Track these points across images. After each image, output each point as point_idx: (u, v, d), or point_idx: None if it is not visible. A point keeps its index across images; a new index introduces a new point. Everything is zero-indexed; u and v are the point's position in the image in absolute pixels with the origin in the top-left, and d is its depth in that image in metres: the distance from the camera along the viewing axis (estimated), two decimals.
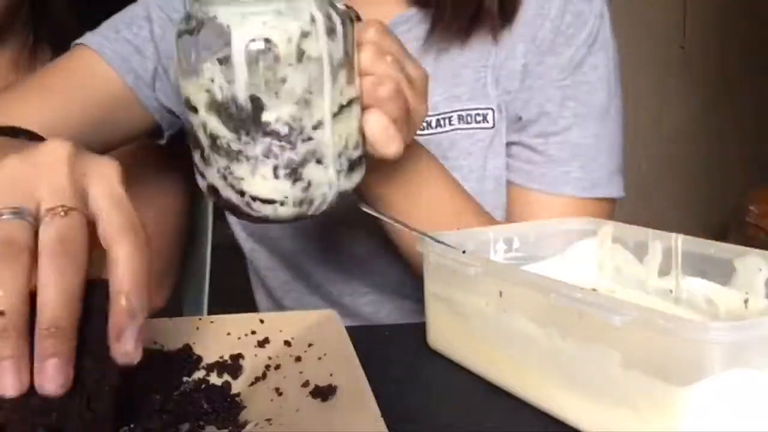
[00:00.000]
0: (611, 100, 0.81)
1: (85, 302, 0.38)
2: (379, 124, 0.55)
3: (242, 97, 0.50)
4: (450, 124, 0.80)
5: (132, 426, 0.40)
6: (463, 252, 0.56)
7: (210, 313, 0.99)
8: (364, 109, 0.55)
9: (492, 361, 0.53)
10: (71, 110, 0.76)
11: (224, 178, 0.53)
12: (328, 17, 0.52)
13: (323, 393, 0.43)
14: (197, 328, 0.52)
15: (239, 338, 0.50)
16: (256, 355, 0.48)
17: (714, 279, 0.54)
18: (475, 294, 0.53)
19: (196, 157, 0.55)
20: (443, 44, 0.79)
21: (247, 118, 0.51)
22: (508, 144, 0.81)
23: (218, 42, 0.50)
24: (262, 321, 0.52)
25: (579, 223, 0.66)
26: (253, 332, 0.51)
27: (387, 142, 0.56)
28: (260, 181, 0.52)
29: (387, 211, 0.65)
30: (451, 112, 0.80)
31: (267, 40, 0.49)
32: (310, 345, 0.49)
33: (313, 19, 0.51)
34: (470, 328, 0.54)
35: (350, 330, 0.52)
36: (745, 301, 0.52)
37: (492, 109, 0.80)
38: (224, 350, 0.50)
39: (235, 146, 0.52)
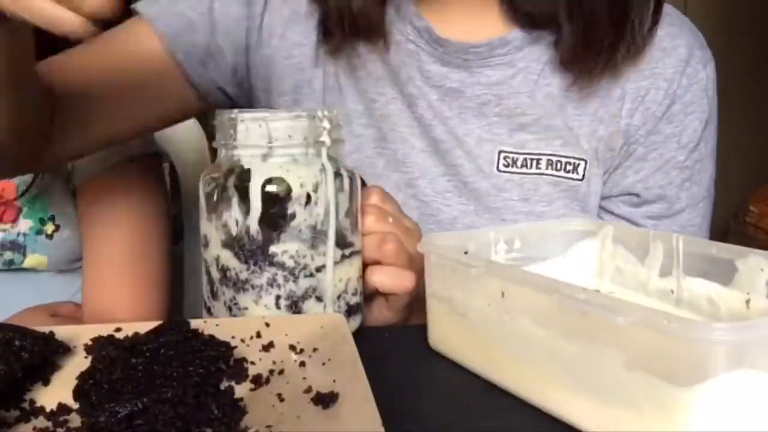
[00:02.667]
0: (714, 172, 0.78)
1: None
2: (387, 272, 0.61)
3: (254, 228, 0.56)
4: (537, 167, 0.76)
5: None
6: (465, 252, 0.56)
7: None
8: (367, 263, 0.61)
9: (493, 362, 0.53)
10: (110, 75, 0.74)
11: (230, 309, 0.58)
12: (337, 171, 0.58)
13: (325, 400, 0.43)
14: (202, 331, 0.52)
15: (244, 341, 0.50)
16: (260, 359, 0.48)
17: (715, 279, 0.54)
18: (476, 295, 0.53)
19: (206, 293, 0.60)
20: (546, 79, 0.74)
21: (256, 249, 0.57)
22: (613, 213, 0.77)
23: (239, 181, 0.57)
24: (267, 324, 0.51)
25: (580, 224, 0.66)
26: (259, 335, 0.51)
27: (401, 282, 0.61)
28: (263, 311, 0.57)
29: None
30: (540, 155, 0.76)
31: (281, 180, 0.56)
32: (315, 350, 0.49)
33: (323, 168, 0.57)
34: (471, 328, 0.54)
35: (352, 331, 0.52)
36: (747, 302, 0.52)
37: (584, 161, 0.76)
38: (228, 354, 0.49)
39: (243, 276, 0.57)
